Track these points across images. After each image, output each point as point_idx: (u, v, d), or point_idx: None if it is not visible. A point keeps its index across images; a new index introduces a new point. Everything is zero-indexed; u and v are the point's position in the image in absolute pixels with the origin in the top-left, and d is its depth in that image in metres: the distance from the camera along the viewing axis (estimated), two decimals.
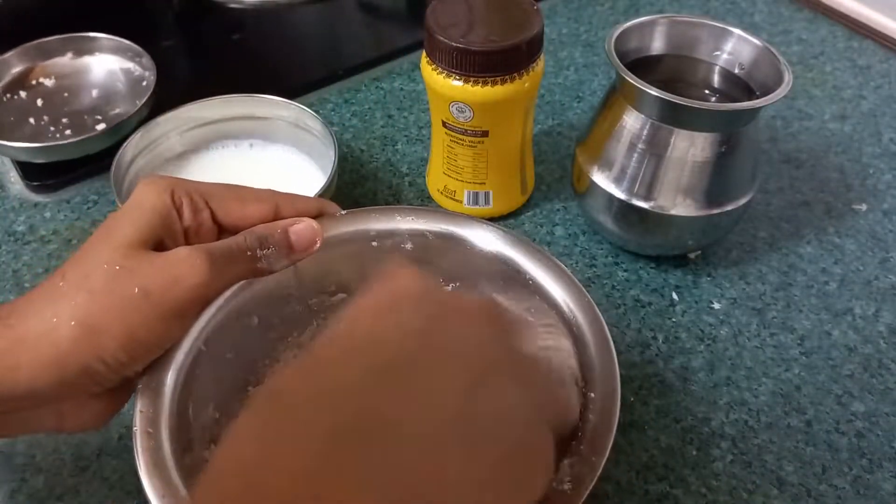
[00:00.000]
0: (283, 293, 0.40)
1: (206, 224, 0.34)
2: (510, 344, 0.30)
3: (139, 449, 0.30)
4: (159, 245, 0.33)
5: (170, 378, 0.32)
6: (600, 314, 0.35)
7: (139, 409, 0.31)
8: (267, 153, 0.55)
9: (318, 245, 0.36)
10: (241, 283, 0.36)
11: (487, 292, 0.40)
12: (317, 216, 0.37)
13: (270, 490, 0.22)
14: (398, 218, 0.39)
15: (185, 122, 0.54)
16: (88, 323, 0.29)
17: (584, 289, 0.36)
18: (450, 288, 0.40)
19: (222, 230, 0.35)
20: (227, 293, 0.35)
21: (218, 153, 0.55)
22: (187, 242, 0.34)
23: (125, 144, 0.51)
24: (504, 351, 0.29)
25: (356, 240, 0.39)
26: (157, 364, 0.32)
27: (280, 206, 0.36)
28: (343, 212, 0.39)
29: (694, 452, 0.41)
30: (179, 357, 0.33)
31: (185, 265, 0.31)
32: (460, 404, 0.25)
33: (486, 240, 0.39)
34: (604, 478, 0.40)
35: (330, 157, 0.50)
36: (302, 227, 0.35)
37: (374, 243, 0.39)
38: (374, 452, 0.23)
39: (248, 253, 0.33)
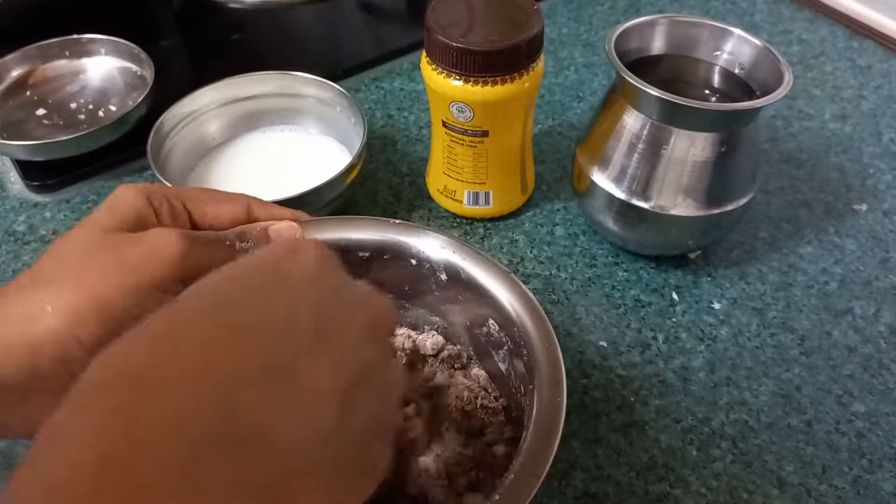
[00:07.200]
0: None
1: (184, 227, 0.34)
2: (385, 352, 0.28)
3: None
4: None
5: None
6: (549, 323, 0.34)
7: None
8: (297, 136, 0.58)
9: None
10: None
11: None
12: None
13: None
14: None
15: (221, 98, 0.56)
16: (64, 303, 0.29)
17: (530, 292, 0.35)
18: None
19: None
20: None
21: (253, 136, 0.58)
22: None
23: (163, 116, 0.53)
24: (377, 357, 0.27)
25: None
26: None
27: (252, 207, 0.36)
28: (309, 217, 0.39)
29: (694, 452, 0.41)
30: None
31: (161, 239, 0.31)
32: (333, 419, 0.23)
33: (433, 247, 0.38)
34: (604, 478, 0.40)
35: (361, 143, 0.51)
36: (283, 227, 0.36)
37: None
38: (239, 465, 0.21)
39: (227, 242, 0.34)
